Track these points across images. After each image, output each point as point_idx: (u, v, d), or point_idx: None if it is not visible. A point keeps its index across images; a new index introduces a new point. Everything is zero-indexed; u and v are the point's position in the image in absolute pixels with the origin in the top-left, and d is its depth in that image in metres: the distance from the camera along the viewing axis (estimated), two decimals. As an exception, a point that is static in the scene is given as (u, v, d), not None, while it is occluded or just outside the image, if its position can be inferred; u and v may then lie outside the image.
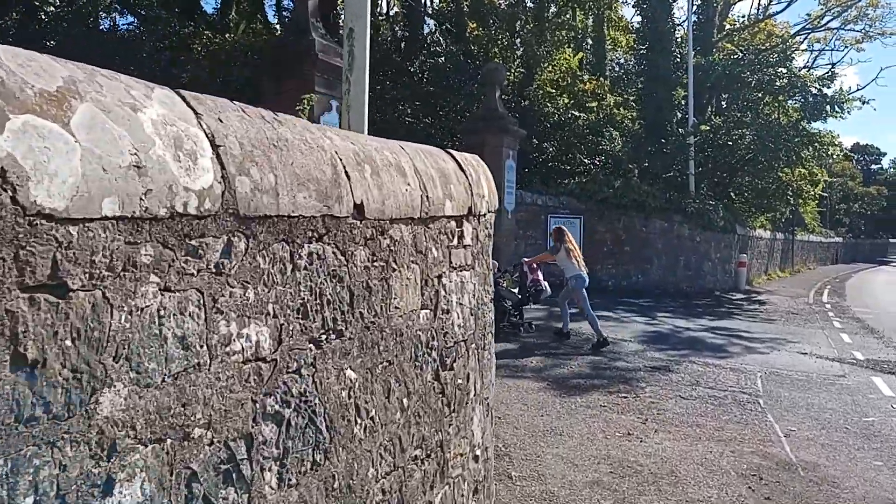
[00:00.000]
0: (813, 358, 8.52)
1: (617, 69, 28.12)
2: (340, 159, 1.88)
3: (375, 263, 2.03)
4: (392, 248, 2.15)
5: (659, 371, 7.30)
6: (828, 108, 18.02)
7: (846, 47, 26.32)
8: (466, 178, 2.92)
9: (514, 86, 20.44)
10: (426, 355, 2.40)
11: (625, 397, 6.18)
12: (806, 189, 19.35)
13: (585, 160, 19.13)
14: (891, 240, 73.20)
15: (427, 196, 2.41)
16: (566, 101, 20.48)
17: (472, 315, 2.93)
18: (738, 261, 18.56)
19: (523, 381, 6.57)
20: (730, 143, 18.12)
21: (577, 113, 18.70)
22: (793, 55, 19.12)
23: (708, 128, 17.47)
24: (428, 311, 2.43)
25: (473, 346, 2.95)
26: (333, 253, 1.80)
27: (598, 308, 12.16)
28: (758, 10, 26.45)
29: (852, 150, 63.90)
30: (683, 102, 20.21)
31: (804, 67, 21.16)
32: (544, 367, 7.23)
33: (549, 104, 20.01)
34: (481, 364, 3.06)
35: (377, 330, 2.03)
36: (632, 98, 21.49)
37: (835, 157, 22.07)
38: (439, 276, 2.54)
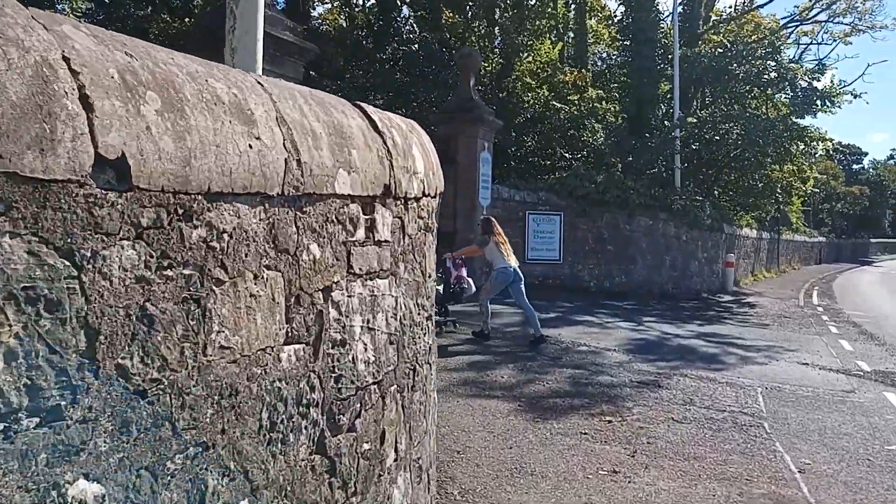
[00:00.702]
0: (816, 369, 7.75)
1: (599, 63, 27.42)
2: (70, 68, 0.97)
3: (167, 272, 1.13)
4: (215, 242, 1.24)
5: (647, 387, 6.47)
6: (818, 102, 17.41)
7: (834, 41, 25.84)
8: (383, 141, 2.01)
9: (491, 76, 19.62)
10: (295, 419, 1.50)
11: (609, 421, 5.33)
12: (796, 186, 18.73)
13: (566, 154, 18.36)
14: (871, 240, 73.74)
15: (299, 161, 1.50)
16: (546, 93, 19.69)
17: (391, 344, 2.03)
18: (726, 261, 17.91)
19: (491, 400, 5.69)
20: (717, 137, 17.44)
21: (557, 104, 17.89)
22: (781, 47, 18.50)
23: (695, 120, 16.78)
24: (300, 346, 1.53)
25: (394, 387, 2.04)
26: (29, 253, 0.90)
27: (579, 311, 11.36)
28: (744, 1, 25.88)
29: (834, 150, 64.02)
30: (668, 96, 19.52)
31: (791, 62, 20.55)
32: (516, 383, 6.36)
33: (528, 96, 19.21)
34: (408, 412, 2.15)
35: (169, 392, 1.13)
36: (615, 92, 20.75)
37: (826, 151, 21.56)
38: (326, 289, 1.64)
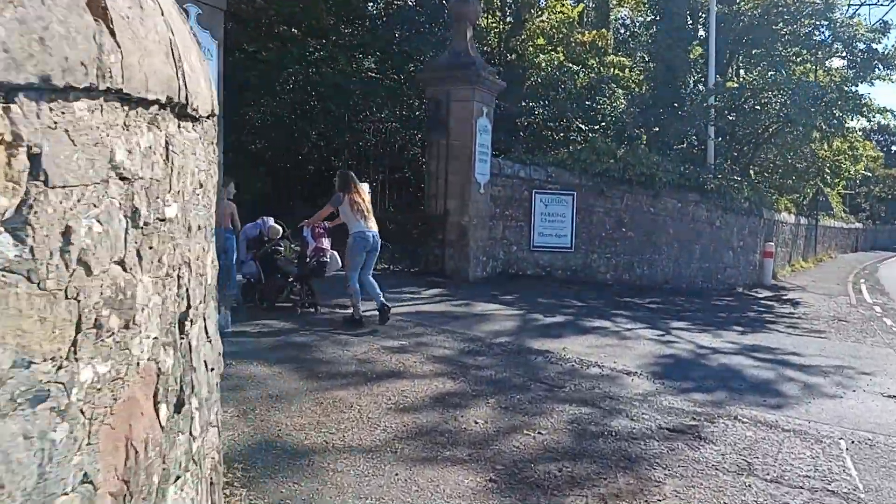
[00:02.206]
0: (911, 406, 5.82)
1: (622, 31, 25.20)
2: None
3: None
4: None
5: (683, 439, 4.61)
6: (878, 66, 15.19)
7: (890, 1, 23.23)
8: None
9: (499, 36, 17.56)
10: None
11: (629, 511, 3.48)
12: (845, 167, 16.58)
13: (582, 126, 16.32)
14: (908, 225, 70.87)
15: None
16: (561, 56, 17.62)
17: None
18: (765, 250, 15.89)
19: (450, 470, 3.85)
20: (757, 107, 15.33)
21: (573, 66, 15.83)
22: (835, 4, 16.24)
23: (735, 84, 14.63)
24: None
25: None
26: None
27: (592, 313, 9.47)
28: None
29: (872, 130, 60.81)
30: (701, 60, 17.38)
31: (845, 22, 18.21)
32: (493, 433, 4.51)
33: (539, 58, 17.15)
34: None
35: None
36: (640, 57, 18.58)
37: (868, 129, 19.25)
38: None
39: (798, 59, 16.37)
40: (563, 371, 6.16)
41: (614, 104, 15.08)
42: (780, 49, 16.37)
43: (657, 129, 14.79)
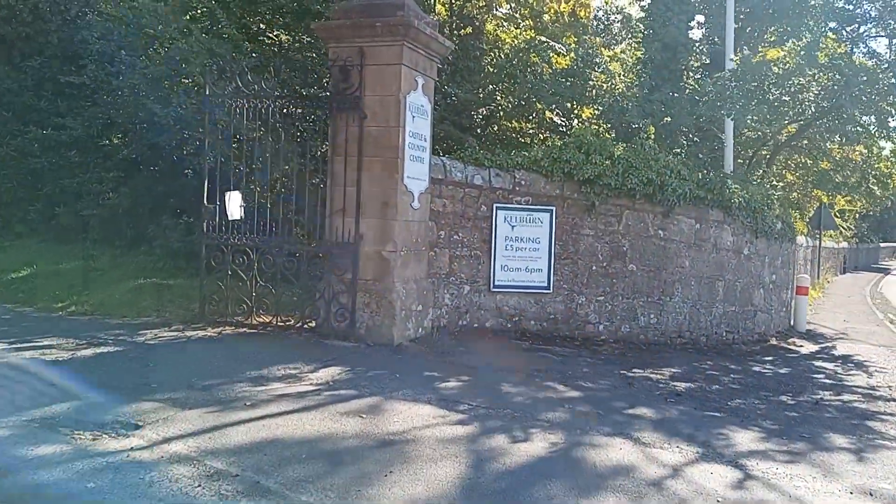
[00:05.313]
0: None
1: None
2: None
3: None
4: None
5: None
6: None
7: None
8: None
9: (449, 3, 13.86)
10: None
11: None
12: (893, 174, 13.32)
13: (557, 121, 12.68)
14: (881, 244, 69.95)
15: None
16: (531, 33, 14.04)
17: None
18: (799, 285, 12.42)
19: None
20: (786, 97, 11.92)
21: (548, 41, 12.19)
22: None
23: (764, 58, 11.14)
24: None
25: None
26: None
27: (594, 419, 5.69)
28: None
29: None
30: (704, 40, 13.99)
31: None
32: None
33: (501, 33, 13.53)
34: None
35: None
36: (632, 38, 15.10)
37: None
38: None
39: (833, 38, 13.07)
40: None
41: (610, 82, 11.45)
42: (812, 24, 13.08)
43: (668, 118, 11.18)
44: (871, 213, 55.87)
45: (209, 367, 6.04)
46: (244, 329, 7.70)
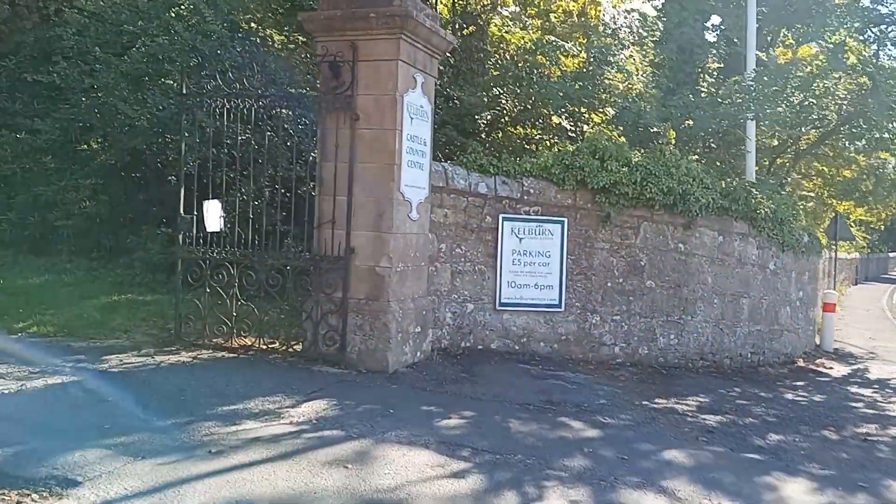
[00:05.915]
0: None
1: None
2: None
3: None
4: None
5: None
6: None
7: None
8: None
9: (453, 2, 13.19)
10: None
11: None
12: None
13: (566, 125, 11.96)
14: (891, 254, 69.30)
15: None
16: (539, 34, 13.35)
17: None
18: (825, 301, 11.68)
19: None
20: (812, 99, 11.21)
21: (557, 41, 11.49)
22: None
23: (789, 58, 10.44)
24: None
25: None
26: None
27: (619, 468, 4.82)
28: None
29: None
30: (721, 42, 13.29)
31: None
32: None
33: (508, 36, 12.84)
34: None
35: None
36: (647, 40, 14.39)
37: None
38: None
39: (859, 39, 12.38)
40: None
41: (627, 82, 10.74)
42: (836, 23, 12.40)
43: (690, 122, 10.43)
44: (884, 224, 55.41)
45: (175, 401, 5.30)
46: (223, 353, 6.97)
